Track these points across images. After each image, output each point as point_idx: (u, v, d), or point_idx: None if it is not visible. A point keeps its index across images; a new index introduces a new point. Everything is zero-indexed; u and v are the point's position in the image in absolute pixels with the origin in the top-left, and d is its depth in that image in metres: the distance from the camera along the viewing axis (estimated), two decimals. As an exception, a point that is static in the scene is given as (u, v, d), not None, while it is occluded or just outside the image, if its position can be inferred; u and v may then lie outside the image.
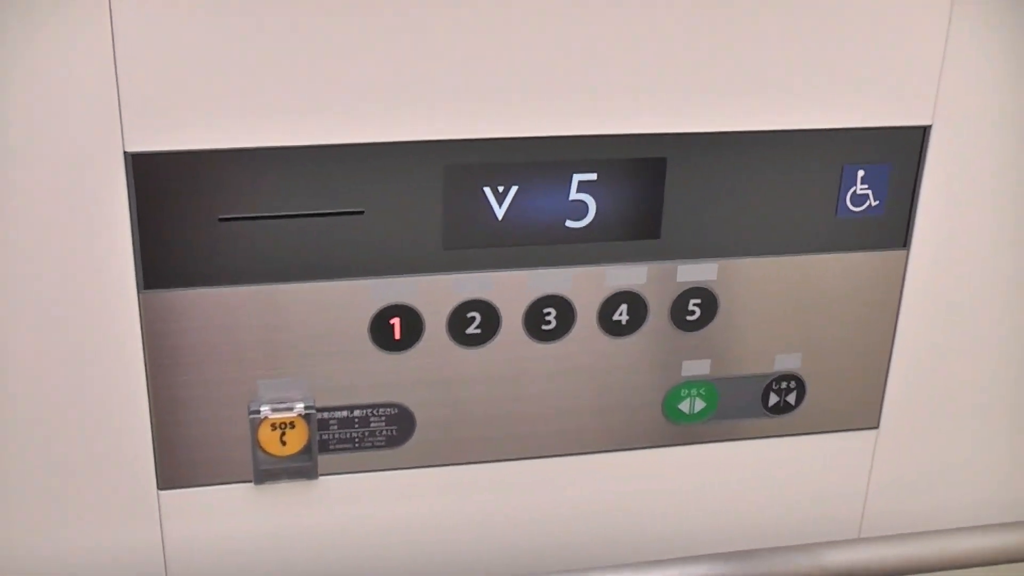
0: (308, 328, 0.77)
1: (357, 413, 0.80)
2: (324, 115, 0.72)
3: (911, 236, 0.84)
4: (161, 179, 0.72)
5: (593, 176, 0.77)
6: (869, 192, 0.82)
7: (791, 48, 0.77)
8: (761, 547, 0.86)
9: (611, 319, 0.81)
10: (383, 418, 0.81)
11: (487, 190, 0.76)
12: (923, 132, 0.81)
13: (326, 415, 0.80)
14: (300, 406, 0.79)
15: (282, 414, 0.79)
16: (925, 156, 0.82)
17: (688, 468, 0.88)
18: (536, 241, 0.78)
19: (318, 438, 0.80)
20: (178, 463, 0.79)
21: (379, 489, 0.83)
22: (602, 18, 0.73)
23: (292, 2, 0.69)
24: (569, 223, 0.78)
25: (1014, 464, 0.95)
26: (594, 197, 0.78)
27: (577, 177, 0.77)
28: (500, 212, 0.77)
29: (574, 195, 0.77)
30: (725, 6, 0.75)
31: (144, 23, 0.68)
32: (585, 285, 0.80)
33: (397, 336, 0.79)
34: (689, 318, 0.83)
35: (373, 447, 0.81)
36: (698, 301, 0.82)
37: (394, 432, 0.81)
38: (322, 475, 0.81)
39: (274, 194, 0.73)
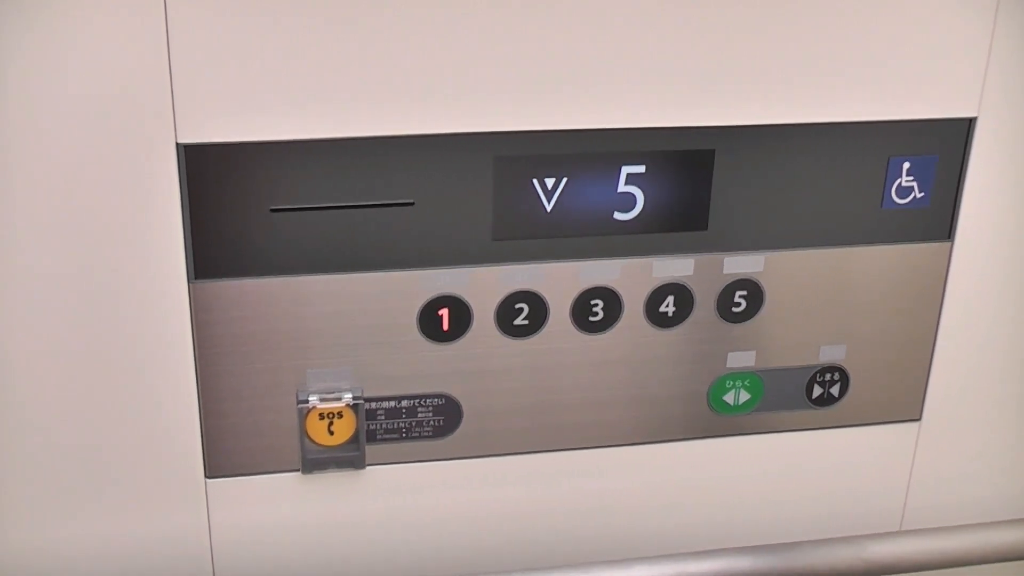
0: (357, 318, 0.77)
1: (405, 403, 0.81)
2: (375, 107, 0.72)
3: (955, 228, 0.84)
4: (213, 170, 0.72)
5: (641, 168, 0.77)
6: (915, 184, 0.82)
7: (838, 41, 0.77)
8: (803, 539, 0.86)
9: (658, 310, 0.82)
10: (430, 408, 0.81)
11: (536, 182, 0.76)
12: (969, 124, 0.81)
13: (374, 405, 0.80)
14: (348, 396, 0.79)
15: (330, 404, 0.79)
16: (970, 148, 0.82)
17: (732, 459, 0.88)
18: (584, 233, 0.78)
19: (366, 428, 0.80)
20: (226, 452, 0.80)
21: (426, 479, 0.83)
22: (651, 11, 0.73)
23: (344, -5, 0.70)
24: (617, 215, 0.78)
25: (1057, 457, 0.95)
26: (642, 189, 0.78)
27: (625, 169, 0.77)
28: (549, 204, 0.77)
29: (622, 187, 0.78)
30: (773, 1, 0.75)
31: (197, 15, 0.68)
32: (632, 277, 0.80)
33: (445, 327, 0.79)
34: (735, 310, 0.83)
35: (420, 437, 0.82)
36: (744, 293, 0.82)
37: (441, 422, 0.82)
38: (369, 465, 0.82)
39: (325, 185, 0.74)
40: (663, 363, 0.83)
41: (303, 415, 0.79)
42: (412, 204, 0.75)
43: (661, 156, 0.77)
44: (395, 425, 0.81)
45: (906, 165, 0.81)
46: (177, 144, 0.71)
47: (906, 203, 0.83)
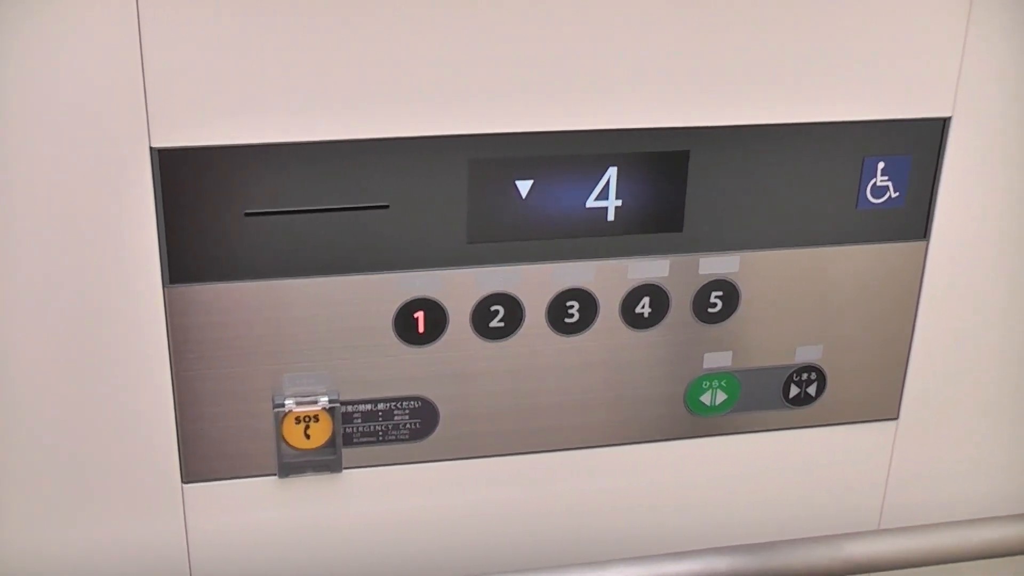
0: (333, 322, 0.77)
1: (381, 406, 0.81)
2: (349, 110, 0.72)
3: (931, 227, 0.84)
4: (187, 174, 0.72)
5: (616, 170, 0.77)
6: (889, 184, 0.82)
7: (812, 41, 0.77)
8: (781, 538, 0.86)
9: (633, 312, 0.82)
10: (407, 411, 0.81)
11: (511, 184, 0.76)
12: (943, 124, 0.82)
13: (350, 408, 0.80)
14: (324, 400, 0.79)
15: (306, 407, 0.79)
16: (945, 147, 0.82)
17: (709, 460, 0.88)
18: (559, 235, 0.78)
19: (342, 431, 0.80)
20: (202, 456, 0.80)
21: (403, 482, 0.83)
22: (625, 13, 0.73)
23: (318, 0, 0.69)
24: (592, 216, 0.78)
25: (1034, 455, 0.95)
26: (617, 190, 0.78)
27: (600, 170, 0.77)
28: (523, 206, 0.77)
29: (597, 189, 0.78)
30: (748, 1, 0.75)
31: (171, 19, 0.68)
32: (608, 278, 0.80)
33: (421, 330, 0.79)
34: (711, 310, 0.83)
35: (397, 440, 0.82)
36: (720, 293, 0.83)
37: (418, 425, 0.82)
38: (346, 468, 0.82)
39: (300, 189, 0.73)
40: (639, 364, 0.83)
41: (279, 419, 0.79)
42: (387, 207, 0.75)
43: (636, 157, 0.77)
44: (372, 428, 0.81)
45: (881, 165, 0.82)
46: (151, 148, 0.71)
47: (881, 203, 0.83)
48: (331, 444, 0.80)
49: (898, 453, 0.92)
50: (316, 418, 0.79)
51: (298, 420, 0.79)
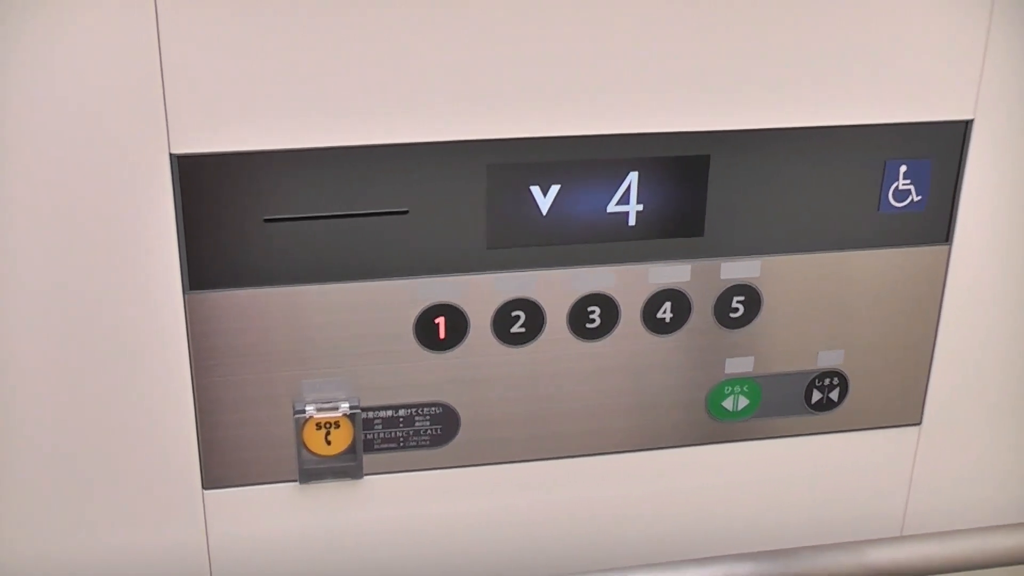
0: (353, 328, 0.77)
1: (402, 412, 0.80)
2: (368, 115, 0.72)
3: (953, 231, 0.84)
4: (206, 181, 0.72)
5: (636, 174, 0.77)
6: (911, 187, 0.82)
7: (833, 45, 0.77)
8: (803, 544, 0.86)
9: (655, 317, 0.81)
10: (428, 417, 0.81)
11: (530, 189, 0.76)
12: (965, 126, 0.81)
13: (371, 415, 0.80)
14: (345, 406, 0.79)
15: (327, 414, 0.79)
16: (967, 151, 0.82)
17: (731, 465, 0.88)
18: (580, 239, 0.78)
19: (363, 438, 0.80)
20: (223, 463, 0.79)
21: (424, 488, 0.83)
22: (646, 17, 0.73)
23: (336, 4, 0.69)
24: (613, 221, 0.78)
25: (1058, 459, 0.95)
26: (638, 195, 0.78)
27: (620, 175, 0.77)
28: (544, 211, 0.77)
29: (617, 193, 0.77)
30: (768, 3, 0.75)
31: (189, 26, 0.68)
32: (629, 283, 0.80)
33: (442, 335, 0.79)
34: (732, 315, 0.83)
35: (418, 446, 0.82)
36: (741, 298, 0.82)
37: (439, 431, 0.81)
38: (367, 475, 0.82)
39: (319, 194, 0.73)
40: (661, 370, 0.83)
41: (300, 425, 0.79)
42: (406, 213, 0.75)
43: (656, 162, 0.77)
44: (392, 434, 0.81)
45: (903, 168, 0.81)
46: (170, 155, 0.71)
47: (903, 206, 0.82)
48: (352, 450, 0.80)
49: (921, 458, 0.91)
50: (337, 424, 0.79)
51: (319, 426, 0.79)
